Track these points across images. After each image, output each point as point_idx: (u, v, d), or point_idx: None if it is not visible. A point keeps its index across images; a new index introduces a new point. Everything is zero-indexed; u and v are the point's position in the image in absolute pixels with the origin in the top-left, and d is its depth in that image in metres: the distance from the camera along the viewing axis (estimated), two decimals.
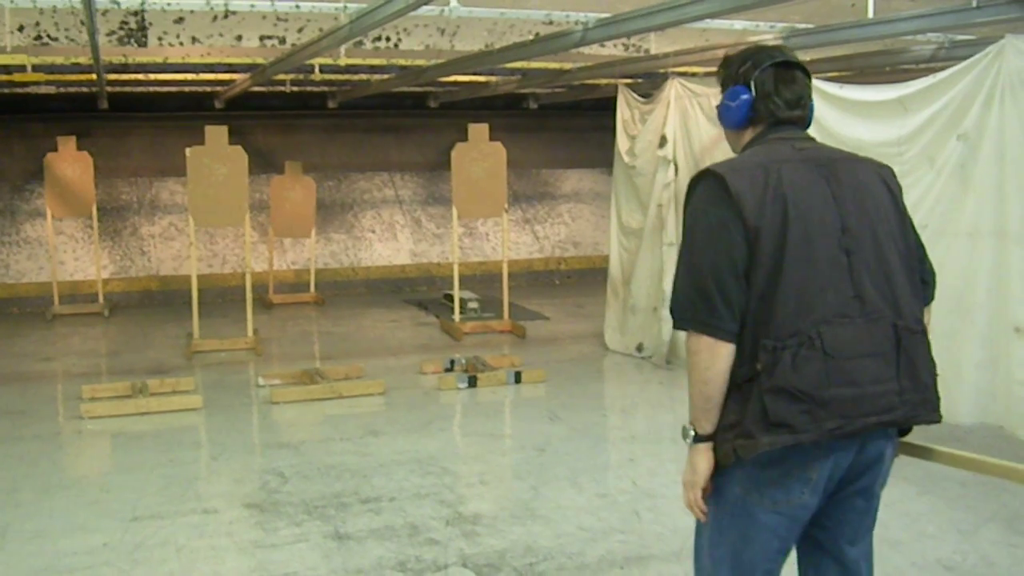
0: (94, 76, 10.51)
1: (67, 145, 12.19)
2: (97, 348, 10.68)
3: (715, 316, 2.70)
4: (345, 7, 6.89)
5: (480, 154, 10.46)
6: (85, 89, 11.90)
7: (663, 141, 8.96)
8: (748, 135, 2.98)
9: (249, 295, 10.01)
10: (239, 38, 10.56)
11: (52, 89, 11.91)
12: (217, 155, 9.60)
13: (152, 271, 13.51)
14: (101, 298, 12.42)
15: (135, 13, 10.13)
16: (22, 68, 9.96)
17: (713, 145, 8.39)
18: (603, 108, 14.08)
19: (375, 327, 11.38)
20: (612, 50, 10.42)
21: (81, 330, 11.44)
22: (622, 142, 9.77)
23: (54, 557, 4.90)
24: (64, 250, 13.08)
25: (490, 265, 13.88)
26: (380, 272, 14.21)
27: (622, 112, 9.87)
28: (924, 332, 2.84)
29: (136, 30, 10.27)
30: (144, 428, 7.27)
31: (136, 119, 13.40)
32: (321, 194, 13.36)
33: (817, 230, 2.72)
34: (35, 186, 13.14)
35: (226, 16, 10.38)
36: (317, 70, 11.05)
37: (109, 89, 11.78)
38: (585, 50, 9.21)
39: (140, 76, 10.98)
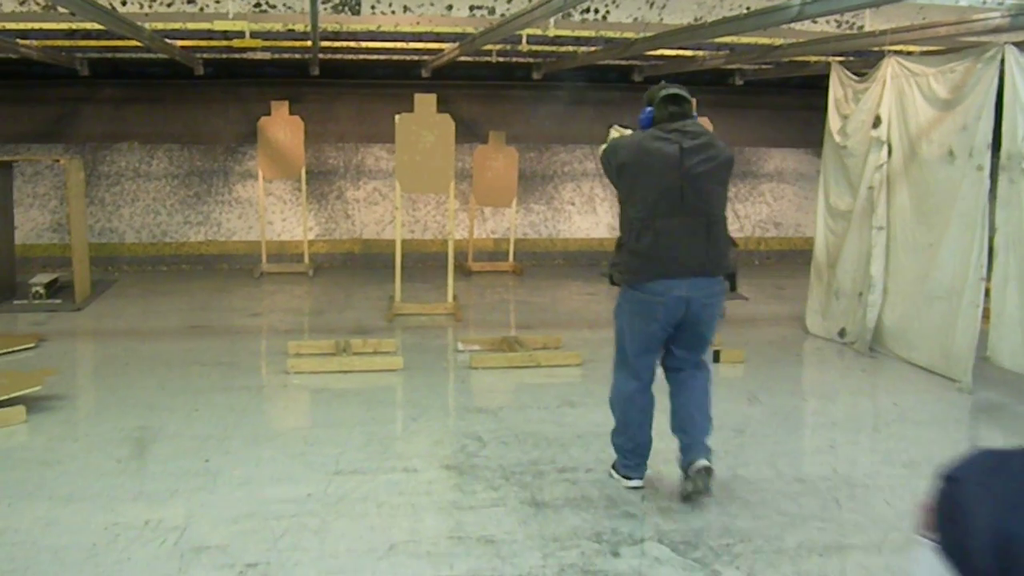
0: (309, 43, 10.77)
1: (280, 109, 12.57)
2: (301, 306, 11.00)
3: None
4: None
5: None
6: (298, 56, 12.22)
7: (877, 121, 8.64)
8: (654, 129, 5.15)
9: (451, 261, 10.13)
10: (449, 8, 10.65)
11: (267, 55, 12.27)
12: (425, 122, 9.74)
13: (355, 234, 13.84)
14: (306, 258, 12.80)
15: None
16: (241, 34, 10.28)
17: (931, 127, 8.08)
18: (810, 86, 13.76)
19: (572, 299, 11.40)
20: (824, 26, 10.12)
21: (286, 288, 11.82)
22: (834, 121, 9.48)
23: (261, 504, 5.05)
24: (272, 211, 13.51)
25: None
26: (578, 244, 14.22)
27: (835, 91, 9.56)
28: (722, 227, 5.16)
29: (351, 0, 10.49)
30: (346, 386, 7.45)
31: (344, 86, 13.68)
32: (522, 165, 13.42)
33: (661, 167, 5.00)
34: (247, 148, 13.58)
35: None
36: (524, 41, 11.08)
37: (321, 56, 12.07)
38: (796, 26, 8.97)
39: (351, 44, 11.20)
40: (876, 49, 9.65)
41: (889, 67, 8.64)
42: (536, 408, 6.91)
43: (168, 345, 8.78)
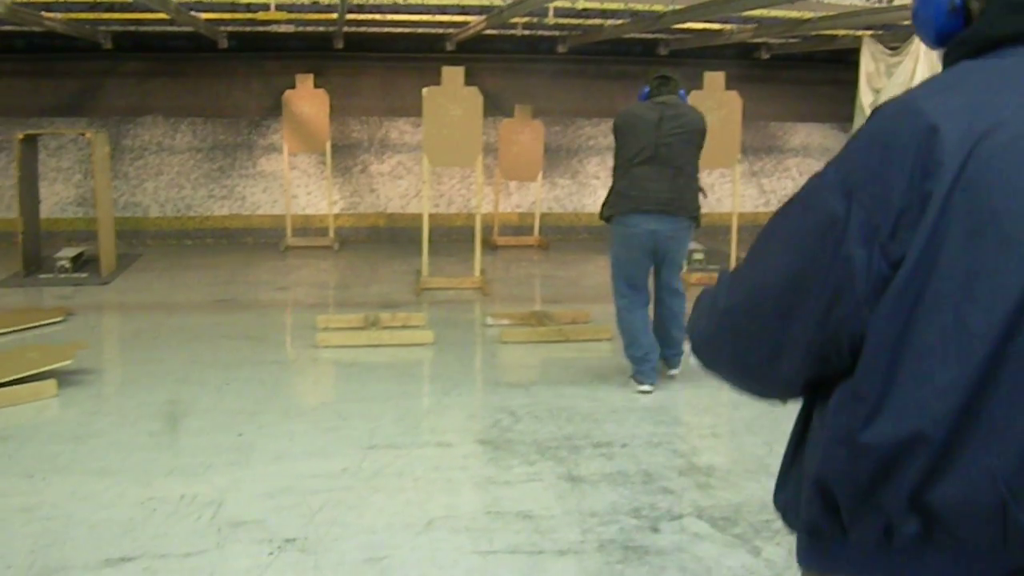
0: (334, 16, 10.71)
1: (305, 83, 12.50)
2: (328, 280, 10.97)
3: None
4: None
5: (716, 103, 10.20)
6: (322, 29, 12.15)
7: None
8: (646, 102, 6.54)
9: (478, 235, 10.08)
10: None
11: (291, 28, 12.21)
12: (453, 96, 9.65)
13: (380, 208, 13.80)
14: (331, 232, 12.76)
15: None
16: (266, 7, 10.23)
17: None
18: (837, 60, 13.63)
19: (598, 273, 11.29)
20: (854, 0, 10.02)
21: (312, 262, 11.79)
22: (865, 96, 9.41)
23: (297, 478, 5.02)
24: (297, 184, 13.47)
25: (714, 217, 13.58)
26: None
27: (866, 65, 9.49)
28: (689, 178, 6.45)
29: None
30: (377, 360, 7.41)
31: (369, 59, 13.60)
32: (547, 139, 13.33)
33: (643, 130, 6.33)
34: (271, 122, 13.53)
35: None
36: (551, 13, 11.00)
37: (346, 29, 12.01)
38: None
39: (377, 16, 11.13)
40: (906, 23, 9.54)
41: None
42: (568, 383, 6.86)
43: (196, 319, 8.75)
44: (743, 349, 1.64)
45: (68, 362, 6.64)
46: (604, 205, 6.63)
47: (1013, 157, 1.38)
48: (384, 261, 11.81)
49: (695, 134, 6.47)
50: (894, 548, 1.45)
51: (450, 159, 10.14)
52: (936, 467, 1.38)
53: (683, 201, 6.39)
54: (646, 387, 6.56)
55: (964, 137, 1.38)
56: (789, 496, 1.63)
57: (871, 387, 1.41)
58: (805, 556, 1.63)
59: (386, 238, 13.50)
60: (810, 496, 1.52)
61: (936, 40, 1.65)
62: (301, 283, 10.66)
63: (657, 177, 6.31)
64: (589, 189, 14.23)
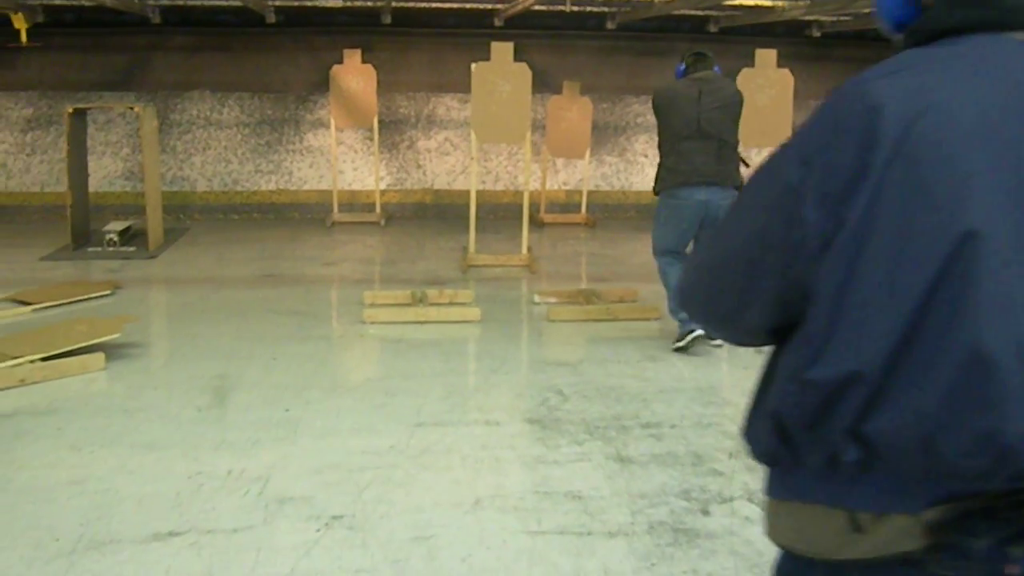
0: None
1: (353, 58, 12.45)
2: (374, 256, 10.94)
3: None
4: None
5: (767, 81, 10.06)
6: (370, 3, 12.10)
7: None
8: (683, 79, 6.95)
9: (526, 212, 10.00)
10: None
11: (338, 3, 12.16)
12: (502, 72, 9.57)
13: (427, 184, 13.76)
14: (378, 208, 12.73)
15: None
16: None
17: None
18: (888, 40, 13.38)
19: (646, 252, 11.03)
20: None
21: (359, 238, 11.77)
22: None
23: (344, 455, 4.99)
24: (344, 160, 13.45)
25: None
26: (651, 197, 13.85)
27: None
28: (732, 149, 6.83)
29: None
30: (424, 336, 7.37)
31: (416, 34, 13.53)
32: (595, 116, 13.21)
33: (684, 106, 6.70)
34: (318, 97, 13.51)
35: None
36: None
37: (394, 4, 11.95)
38: None
39: None
40: None
41: None
42: (616, 362, 6.79)
43: (243, 294, 8.75)
44: (716, 299, 1.84)
45: (116, 335, 6.66)
46: (656, 180, 7.00)
47: (944, 134, 1.54)
48: (430, 237, 11.78)
49: (734, 106, 6.86)
50: (839, 475, 1.63)
51: (499, 136, 10.06)
52: (871, 403, 1.55)
53: (728, 172, 6.76)
54: (700, 331, 6.85)
55: (902, 115, 1.55)
56: (754, 430, 1.78)
57: (816, 331, 1.58)
58: (768, 486, 1.80)
59: (432, 214, 13.46)
60: (768, 428, 1.69)
61: (893, 27, 1.82)
62: (347, 259, 10.64)
63: (703, 150, 6.68)
64: (637, 167, 14.12)
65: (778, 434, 1.66)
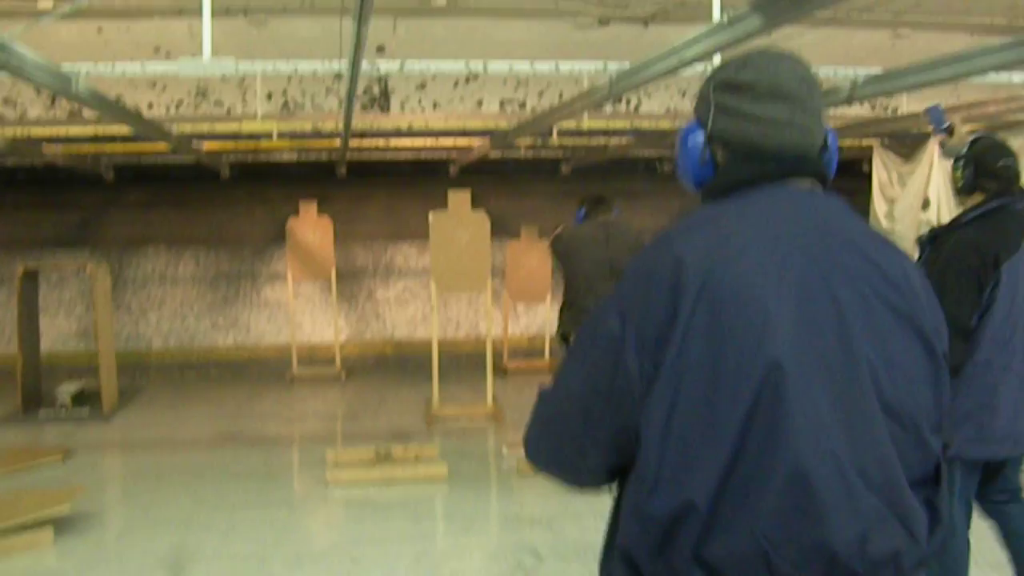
0: (336, 143, 10.60)
1: (309, 210, 12.33)
2: (335, 411, 10.67)
3: None
4: (605, 66, 6.65)
5: (462, 222, 10.03)
6: (325, 156, 12.06)
7: (926, 203, 8.41)
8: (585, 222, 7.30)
9: (490, 362, 9.80)
10: (479, 103, 10.51)
11: (293, 156, 12.12)
12: (460, 220, 9.47)
13: (387, 335, 13.59)
14: (338, 361, 12.48)
15: (379, 79, 10.23)
16: (268, 136, 10.12)
17: None
18: (844, 171, 13.51)
19: None
20: (859, 109, 9.92)
21: (319, 393, 11.49)
22: (879, 205, 9.25)
23: None
24: (302, 313, 13.27)
25: None
26: None
27: (879, 174, 9.35)
28: None
29: (380, 96, 10.35)
30: (390, 497, 7.09)
31: (371, 184, 13.50)
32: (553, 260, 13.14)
33: (594, 249, 6.98)
34: (274, 249, 13.40)
35: (467, 81, 10.38)
36: (555, 134, 10.89)
37: (348, 157, 11.91)
38: (833, 109, 8.75)
39: (380, 142, 11.03)
40: (915, 131, 9.43)
41: (935, 147, 8.41)
42: (591, 516, 6.49)
43: (200, 456, 8.44)
44: (557, 448, 1.98)
45: (65, 507, 6.33)
46: (565, 322, 7.02)
47: (740, 279, 1.74)
48: (392, 389, 11.52)
49: (638, 247, 6.91)
50: None
51: (460, 285, 9.91)
52: (708, 528, 1.68)
53: None
54: None
55: (702, 266, 1.74)
56: (608, 566, 1.90)
57: (648, 469, 1.73)
58: None
59: (393, 365, 13.21)
60: (620, 563, 1.82)
61: (695, 184, 2.04)
62: (308, 415, 10.36)
63: None
64: None
65: (629, 567, 1.80)
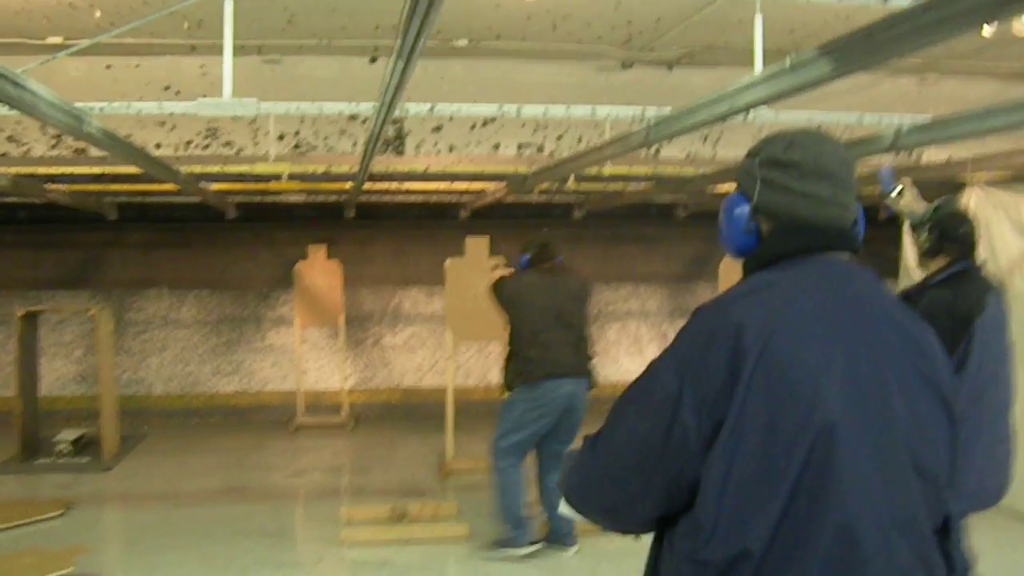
0: (348, 185, 10.32)
1: (318, 254, 12.03)
2: (344, 463, 10.31)
3: None
4: (644, 112, 6.35)
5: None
6: (334, 198, 11.77)
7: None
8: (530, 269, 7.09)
9: None
10: (496, 147, 10.24)
11: (301, 198, 11.85)
12: (477, 267, 9.17)
13: (394, 383, 13.25)
14: (345, 409, 12.13)
15: (395, 122, 9.96)
16: (277, 177, 9.85)
17: (1022, 259, 7.55)
18: (873, 219, 13.24)
19: None
20: (882, 157, 9.66)
21: (326, 443, 11.14)
22: (911, 255, 8.96)
23: None
24: (307, 359, 12.91)
25: None
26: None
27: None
28: (587, 340, 6.82)
29: (395, 139, 10.07)
30: (410, 559, 6.75)
31: (380, 227, 13.22)
32: None
33: (539, 297, 6.80)
34: (280, 293, 13.09)
35: (484, 124, 10.12)
36: (572, 179, 10.63)
37: (358, 199, 11.63)
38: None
39: (392, 185, 10.76)
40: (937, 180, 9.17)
41: (972, 196, 8.15)
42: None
43: (206, 511, 8.09)
44: (609, 495, 2.07)
45: (68, 571, 6.00)
46: (513, 373, 6.74)
47: (796, 344, 1.89)
48: (402, 440, 11.16)
49: (585, 298, 7.05)
50: None
51: (476, 333, 9.59)
52: (759, 573, 1.80)
53: (585, 364, 6.77)
54: (533, 547, 6.76)
55: (761, 330, 1.88)
56: None
57: (706, 518, 1.85)
58: None
59: (401, 414, 12.85)
60: None
61: (737, 253, 2.19)
62: (316, 467, 9.98)
63: (564, 341, 6.65)
64: (609, 358, 13.69)
65: None
